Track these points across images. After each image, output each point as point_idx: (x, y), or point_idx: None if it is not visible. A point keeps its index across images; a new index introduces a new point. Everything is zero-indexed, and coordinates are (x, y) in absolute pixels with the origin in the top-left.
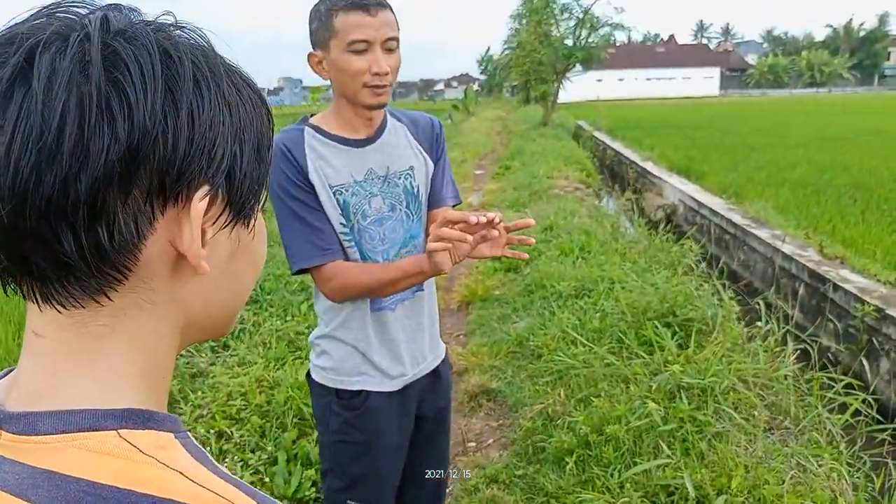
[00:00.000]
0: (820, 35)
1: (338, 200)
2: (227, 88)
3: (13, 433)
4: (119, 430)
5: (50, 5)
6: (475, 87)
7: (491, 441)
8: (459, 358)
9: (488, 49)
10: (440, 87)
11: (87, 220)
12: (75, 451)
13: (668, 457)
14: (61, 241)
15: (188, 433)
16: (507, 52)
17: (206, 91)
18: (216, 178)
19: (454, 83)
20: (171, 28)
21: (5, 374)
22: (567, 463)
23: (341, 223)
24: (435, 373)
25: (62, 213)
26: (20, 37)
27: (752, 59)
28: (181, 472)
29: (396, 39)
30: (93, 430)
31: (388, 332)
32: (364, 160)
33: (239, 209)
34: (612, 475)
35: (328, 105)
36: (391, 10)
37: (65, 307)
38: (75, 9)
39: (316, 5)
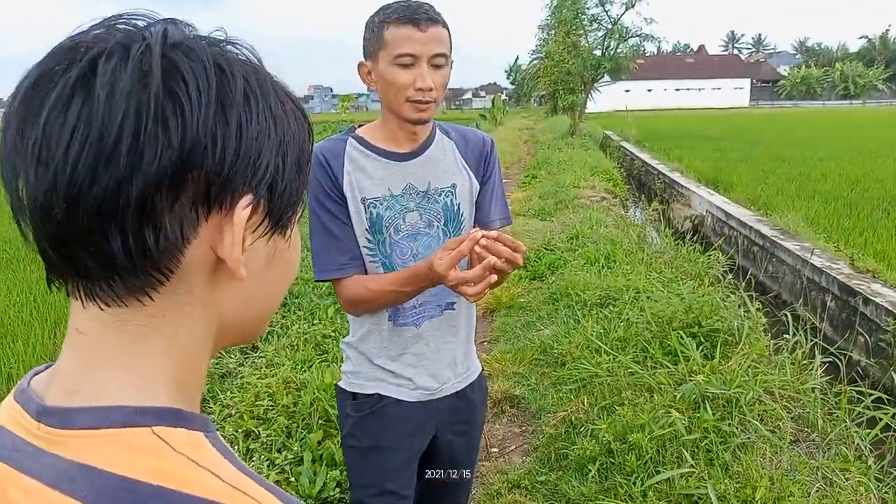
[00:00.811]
0: (854, 46)
1: (370, 213)
2: (273, 103)
3: (51, 426)
4: (153, 428)
5: (111, 17)
6: (503, 96)
7: (514, 447)
8: (483, 364)
9: (517, 59)
10: (468, 96)
11: (136, 222)
12: (110, 447)
13: (692, 466)
14: (109, 240)
15: (217, 432)
16: (535, 62)
17: (255, 105)
18: (259, 188)
19: (482, 92)
20: (225, 44)
21: (45, 369)
22: (589, 470)
23: (367, 238)
24: (461, 395)
25: (113, 214)
26: (84, 45)
27: (784, 70)
28: (210, 471)
29: (445, 56)
30: (127, 427)
31: (408, 348)
32: (404, 174)
33: (278, 219)
34: (634, 483)
35: (371, 114)
36: (444, 26)
37: (108, 305)
38: (135, 21)
39: (371, 16)
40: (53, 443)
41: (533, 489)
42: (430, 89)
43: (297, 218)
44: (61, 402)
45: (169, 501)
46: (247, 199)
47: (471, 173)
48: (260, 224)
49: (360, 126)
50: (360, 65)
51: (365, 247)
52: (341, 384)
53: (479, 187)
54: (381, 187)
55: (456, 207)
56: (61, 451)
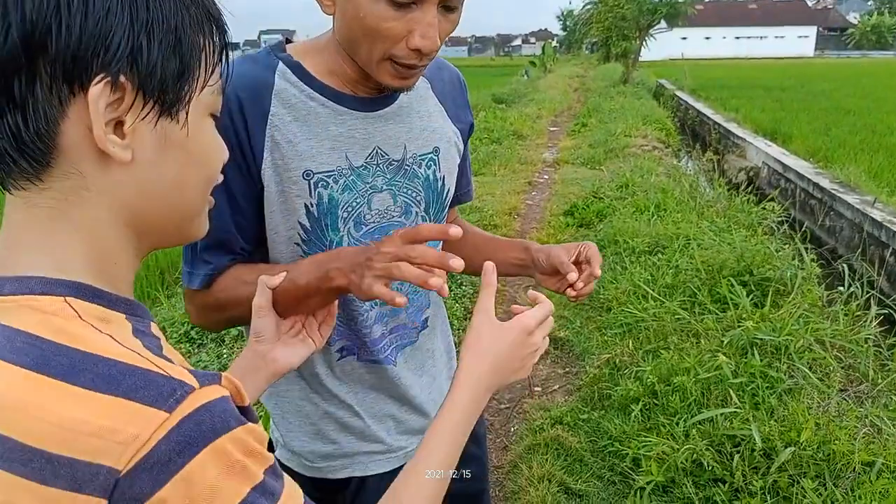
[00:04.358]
0: None
1: (319, 196)
2: None
3: None
4: (66, 298)
5: None
6: (554, 43)
7: (557, 387)
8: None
9: (570, 3)
10: (517, 42)
11: (2, 107)
12: (26, 310)
13: (737, 408)
14: None
15: (152, 324)
16: (588, 7)
17: None
18: (113, 65)
19: (532, 39)
20: None
21: None
22: (632, 410)
23: (301, 234)
24: None
25: None
26: None
27: (854, 17)
28: (111, 336)
29: None
30: (44, 294)
31: (381, 393)
32: (369, 134)
33: (159, 102)
34: (677, 423)
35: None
36: None
37: (14, 189)
38: None
39: None
40: None
41: (575, 426)
42: (433, 50)
43: (186, 104)
44: None
45: (69, 357)
46: (100, 76)
47: (455, 128)
48: (133, 104)
49: (288, 42)
50: None
51: (297, 244)
52: (285, 461)
53: (463, 149)
54: (335, 154)
55: (440, 183)
56: None
